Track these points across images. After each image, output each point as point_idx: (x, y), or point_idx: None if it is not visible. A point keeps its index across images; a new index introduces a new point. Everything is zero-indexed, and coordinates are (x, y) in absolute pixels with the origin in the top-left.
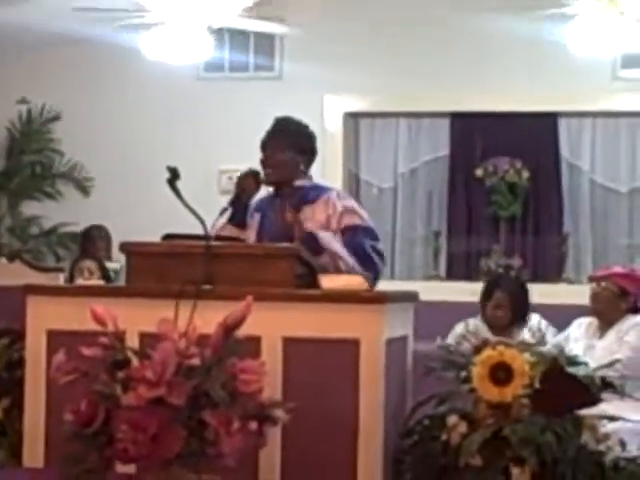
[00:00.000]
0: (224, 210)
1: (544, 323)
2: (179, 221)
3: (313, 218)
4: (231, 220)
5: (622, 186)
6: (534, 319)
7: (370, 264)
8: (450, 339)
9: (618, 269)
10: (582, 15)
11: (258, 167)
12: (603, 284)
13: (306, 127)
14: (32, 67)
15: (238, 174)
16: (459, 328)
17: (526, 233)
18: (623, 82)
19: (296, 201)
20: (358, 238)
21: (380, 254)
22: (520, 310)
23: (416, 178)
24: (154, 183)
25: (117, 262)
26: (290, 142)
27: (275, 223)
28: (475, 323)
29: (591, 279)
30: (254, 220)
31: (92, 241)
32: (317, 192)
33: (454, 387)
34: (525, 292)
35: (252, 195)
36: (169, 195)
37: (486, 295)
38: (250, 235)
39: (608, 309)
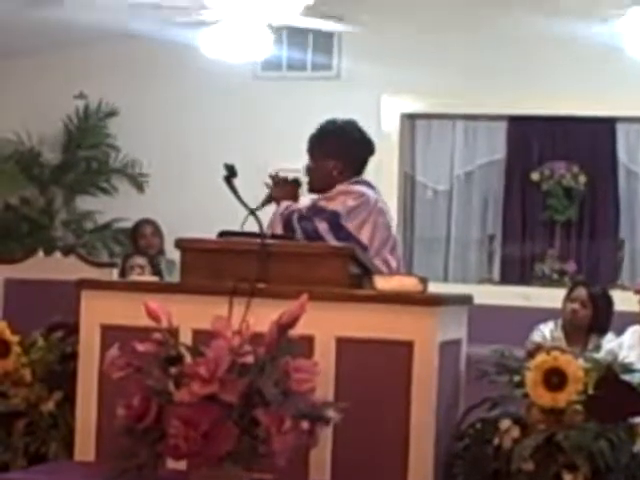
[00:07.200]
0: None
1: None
2: (233, 218)
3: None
4: None
5: None
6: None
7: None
8: (536, 336)
9: None
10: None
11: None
12: None
13: (332, 130)
14: (90, 62)
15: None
16: (546, 329)
17: (581, 238)
18: None
19: None
20: (302, 213)
21: (314, 233)
22: (601, 316)
23: (472, 181)
24: (208, 180)
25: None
26: (316, 150)
27: None
28: (554, 331)
29: (636, 292)
30: None
31: (143, 237)
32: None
33: (507, 391)
34: (609, 302)
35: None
36: (223, 192)
37: (568, 293)
38: None
39: None
